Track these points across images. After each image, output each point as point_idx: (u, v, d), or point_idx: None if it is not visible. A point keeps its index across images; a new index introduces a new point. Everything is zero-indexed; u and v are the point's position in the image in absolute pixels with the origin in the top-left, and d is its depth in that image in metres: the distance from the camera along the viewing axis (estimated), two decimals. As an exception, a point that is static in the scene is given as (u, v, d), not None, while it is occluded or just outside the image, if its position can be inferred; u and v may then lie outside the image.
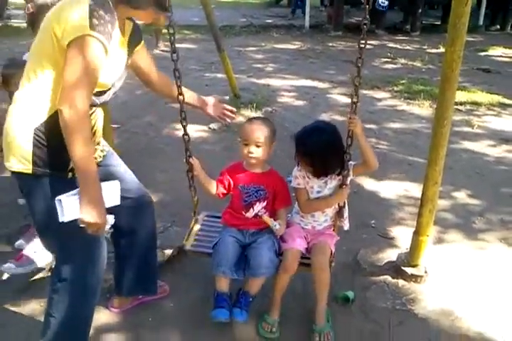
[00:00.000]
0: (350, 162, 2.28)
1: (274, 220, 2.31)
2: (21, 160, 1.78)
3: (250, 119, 2.41)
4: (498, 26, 11.05)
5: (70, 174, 1.86)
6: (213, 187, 2.42)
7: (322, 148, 2.23)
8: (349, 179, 2.33)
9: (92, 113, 1.88)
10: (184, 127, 2.37)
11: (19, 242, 2.86)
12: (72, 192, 1.74)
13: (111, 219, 1.86)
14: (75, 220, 1.75)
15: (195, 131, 4.54)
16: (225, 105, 2.47)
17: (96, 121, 1.95)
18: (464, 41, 2.30)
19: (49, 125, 1.75)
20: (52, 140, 1.75)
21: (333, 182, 2.35)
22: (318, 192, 2.36)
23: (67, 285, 1.96)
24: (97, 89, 1.81)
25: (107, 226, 1.85)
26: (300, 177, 2.36)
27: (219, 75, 6.62)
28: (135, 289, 2.46)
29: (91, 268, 1.99)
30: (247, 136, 2.27)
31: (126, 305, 2.49)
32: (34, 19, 2.46)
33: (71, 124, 1.65)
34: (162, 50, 8.24)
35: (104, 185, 1.83)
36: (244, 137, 2.29)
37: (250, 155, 2.27)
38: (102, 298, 2.43)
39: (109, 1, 1.76)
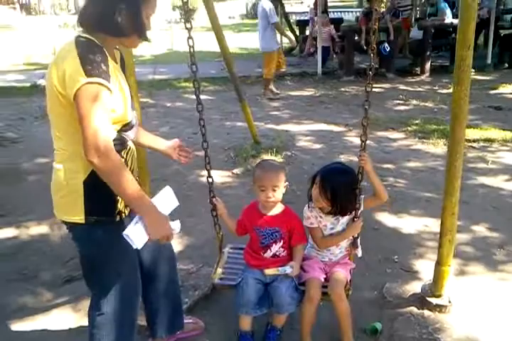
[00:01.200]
0: (362, 196, 2.45)
1: (287, 262, 2.46)
2: (77, 212, 1.92)
3: (261, 165, 2.53)
4: (507, 64, 11.32)
5: (118, 217, 2.01)
6: (234, 227, 2.62)
7: (346, 188, 2.39)
8: (359, 212, 2.47)
9: (127, 151, 2.03)
10: (208, 171, 2.58)
11: None
12: (132, 223, 1.88)
13: (177, 225, 2.00)
14: (118, 260, 1.96)
15: (220, 176, 4.77)
16: (184, 147, 2.49)
17: (132, 157, 2.08)
18: (469, 81, 2.50)
19: (92, 177, 1.87)
20: (99, 189, 1.87)
21: (345, 217, 2.50)
22: (332, 228, 2.52)
23: (106, 319, 2.10)
24: (121, 124, 1.94)
25: (176, 231, 2.00)
26: (312, 218, 2.51)
27: (238, 123, 6.92)
28: (169, 330, 2.59)
29: (128, 301, 2.14)
30: (263, 183, 2.38)
31: (166, 341, 2.64)
32: None
33: (107, 171, 1.77)
34: (269, 98, 8.81)
35: (157, 197, 2.01)
36: (261, 184, 2.38)
37: (269, 200, 2.40)
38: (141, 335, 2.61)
39: (94, 39, 1.82)
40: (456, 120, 2.54)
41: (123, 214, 2.03)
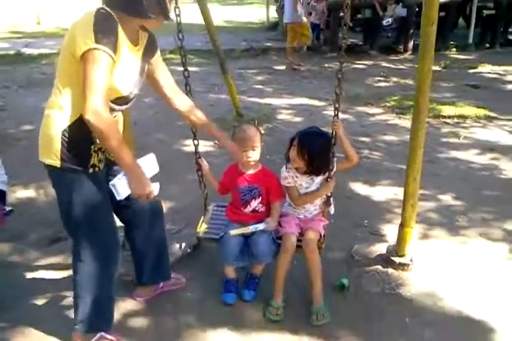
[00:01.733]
0: (335, 158, 2.63)
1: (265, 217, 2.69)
2: (52, 156, 2.10)
3: (241, 128, 2.70)
4: (488, 44, 11.52)
5: (91, 169, 2.17)
6: (216, 186, 2.85)
7: (323, 150, 2.57)
8: (332, 172, 2.66)
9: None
10: (194, 133, 2.80)
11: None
12: (118, 176, 2.11)
13: (156, 186, 2.20)
14: (89, 207, 2.15)
15: (202, 145, 4.80)
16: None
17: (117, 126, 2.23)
18: (432, 56, 2.67)
19: (72, 129, 2.07)
20: (76, 141, 2.08)
21: (319, 178, 2.70)
22: (307, 188, 2.72)
23: (86, 266, 2.29)
24: (114, 96, 2.09)
25: (155, 193, 2.19)
26: (289, 177, 2.71)
27: (222, 96, 7.05)
28: (153, 277, 2.79)
29: (106, 249, 2.31)
30: (244, 143, 2.57)
31: (149, 294, 2.83)
32: None
33: (101, 129, 1.91)
34: (293, 69, 9.18)
35: (142, 160, 2.20)
36: (242, 144, 2.57)
37: (249, 159, 2.61)
38: (127, 289, 2.81)
39: (112, 13, 1.96)
40: (420, 92, 2.72)
41: (96, 168, 2.20)
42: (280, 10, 12.62)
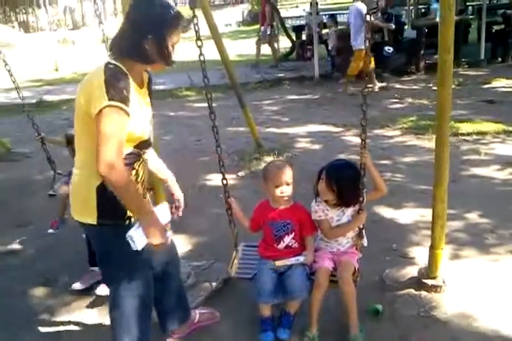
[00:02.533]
0: (365, 189, 2.68)
1: (299, 252, 2.71)
2: (88, 213, 2.14)
3: (274, 164, 2.79)
4: (500, 59, 11.54)
5: (128, 221, 2.20)
6: (248, 224, 2.86)
7: (352, 182, 2.61)
8: (363, 204, 2.70)
9: (140, 163, 2.24)
10: (223, 173, 2.84)
11: (75, 284, 3.34)
12: (135, 227, 2.10)
13: (169, 233, 2.24)
14: (127, 256, 2.16)
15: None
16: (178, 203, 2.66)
17: (143, 168, 2.30)
18: (451, 82, 2.78)
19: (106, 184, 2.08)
20: (110, 195, 2.05)
21: (349, 209, 2.74)
22: (338, 220, 2.75)
23: (124, 315, 2.32)
24: (138, 141, 2.16)
25: (169, 240, 2.24)
26: (319, 211, 2.74)
27: (240, 129, 7.16)
28: (179, 322, 2.80)
29: (143, 297, 2.34)
30: (277, 179, 2.62)
31: (184, 331, 2.84)
32: None
33: (116, 184, 1.96)
34: (350, 94, 9.15)
35: (156, 209, 2.23)
36: (275, 180, 2.63)
37: (283, 194, 2.65)
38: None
39: (121, 66, 2.02)
40: (441, 118, 2.81)
41: (132, 219, 2.23)
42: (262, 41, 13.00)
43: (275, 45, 13.67)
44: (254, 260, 2.92)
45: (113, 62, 2.05)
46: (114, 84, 1.96)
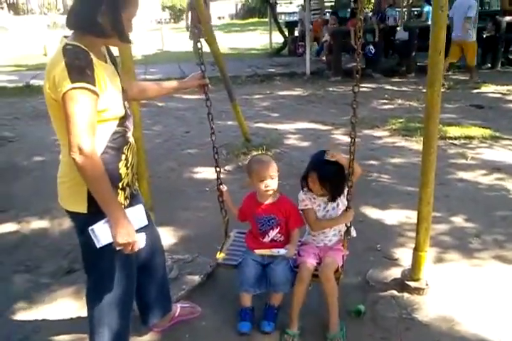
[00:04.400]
0: (351, 188, 2.67)
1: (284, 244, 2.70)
2: (77, 202, 2.06)
3: (257, 159, 2.79)
4: (489, 65, 11.65)
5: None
6: (236, 213, 2.88)
7: (337, 175, 2.63)
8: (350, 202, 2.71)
9: (128, 147, 2.15)
10: (216, 160, 2.84)
11: None
12: (101, 222, 1.98)
13: (142, 237, 2.09)
14: (111, 251, 2.03)
15: (213, 172, 4.91)
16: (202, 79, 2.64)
17: (132, 153, 2.20)
18: (440, 83, 2.76)
19: None
20: None
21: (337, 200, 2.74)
22: (324, 208, 2.75)
23: (103, 305, 2.26)
24: (118, 117, 2.06)
25: (141, 245, 2.10)
26: (307, 200, 2.74)
27: (229, 122, 7.13)
28: (161, 315, 2.76)
29: (124, 290, 2.28)
30: (262, 173, 2.62)
31: (165, 324, 2.82)
32: None
33: (86, 171, 1.88)
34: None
35: (129, 210, 2.10)
36: (260, 174, 2.62)
37: (268, 188, 2.64)
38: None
39: (79, 45, 1.92)
40: (429, 119, 2.78)
41: (122, 206, 2.15)
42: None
43: None
44: (244, 247, 2.92)
45: (71, 42, 1.95)
46: (76, 65, 1.87)
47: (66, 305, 3.11)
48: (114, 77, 2.13)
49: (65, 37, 2.02)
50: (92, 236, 1.98)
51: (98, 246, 2.00)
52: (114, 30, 1.99)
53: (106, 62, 2.12)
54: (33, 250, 3.79)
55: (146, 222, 2.20)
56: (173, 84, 2.67)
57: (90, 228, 1.97)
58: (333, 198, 2.71)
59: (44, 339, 2.80)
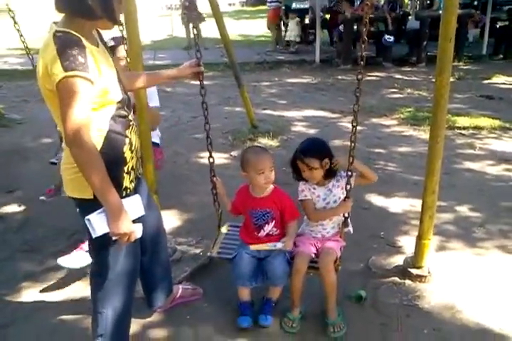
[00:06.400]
0: (353, 176, 2.63)
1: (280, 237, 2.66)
2: (83, 188, 2.00)
3: (253, 151, 2.68)
4: (501, 55, 11.50)
5: (124, 193, 2.12)
6: (229, 207, 2.81)
7: (317, 145, 2.68)
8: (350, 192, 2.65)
9: (131, 130, 2.14)
10: (210, 151, 2.78)
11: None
12: (98, 211, 1.95)
13: (139, 228, 2.07)
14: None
15: (219, 158, 4.95)
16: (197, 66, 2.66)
17: (135, 136, 2.19)
18: (450, 71, 2.71)
19: (100, 154, 1.95)
20: (106, 166, 1.94)
21: (336, 189, 2.71)
22: (324, 199, 2.71)
23: (108, 286, 2.26)
24: (115, 101, 2.04)
25: (138, 235, 2.07)
26: (306, 190, 2.71)
27: (236, 109, 7.12)
28: (164, 297, 2.79)
29: (129, 266, 2.29)
30: (260, 165, 2.52)
31: (166, 305, 2.84)
32: None
33: (81, 159, 1.87)
34: None
35: (126, 200, 2.05)
36: (258, 166, 2.52)
37: (268, 180, 2.56)
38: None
39: (70, 31, 1.87)
40: (437, 107, 2.75)
41: (128, 190, 2.17)
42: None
43: None
44: (238, 240, 2.87)
45: (61, 29, 1.91)
46: (67, 53, 1.82)
47: (68, 284, 3.14)
48: (108, 61, 2.11)
49: (55, 23, 1.98)
50: (88, 226, 1.96)
51: (94, 236, 1.98)
52: (105, 12, 1.95)
53: (98, 46, 2.08)
54: (37, 230, 3.82)
55: (143, 212, 2.17)
56: (168, 72, 2.62)
57: (86, 218, 1.95)
58: (327, 174, 2.66)
59: (47, 317, 2.83)
